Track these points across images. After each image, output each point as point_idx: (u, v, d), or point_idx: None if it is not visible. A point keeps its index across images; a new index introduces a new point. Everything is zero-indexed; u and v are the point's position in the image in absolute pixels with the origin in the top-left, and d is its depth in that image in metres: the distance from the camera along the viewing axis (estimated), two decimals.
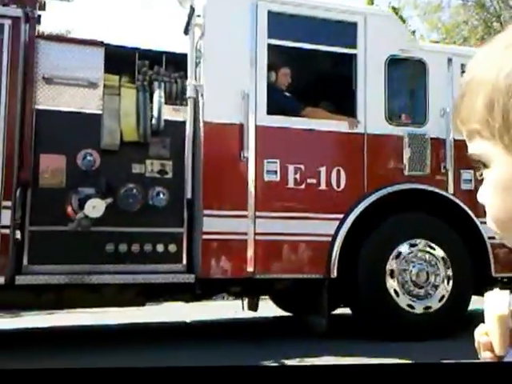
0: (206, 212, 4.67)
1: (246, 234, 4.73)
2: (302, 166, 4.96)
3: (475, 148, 0.62)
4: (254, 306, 6.06)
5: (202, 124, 4.79)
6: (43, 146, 4.59)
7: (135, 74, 5.08)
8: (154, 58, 5.19)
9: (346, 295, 5.07)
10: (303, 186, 4.95)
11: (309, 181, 4.97)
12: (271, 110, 4.94)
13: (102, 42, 4.93)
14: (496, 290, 0.69)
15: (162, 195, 4.77)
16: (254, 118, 4.86)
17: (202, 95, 4.88)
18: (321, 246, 4.88)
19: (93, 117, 4.77)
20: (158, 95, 4.87)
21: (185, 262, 4.84)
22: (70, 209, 4.50)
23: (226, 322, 6.70)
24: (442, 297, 5.06)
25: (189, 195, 4.78)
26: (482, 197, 0.64)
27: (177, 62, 5.23)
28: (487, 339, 0.68)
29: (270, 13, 5.02)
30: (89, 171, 4.63)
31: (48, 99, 4.67)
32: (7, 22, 4.38)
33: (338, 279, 4.85)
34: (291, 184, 4.92)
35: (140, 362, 3.99)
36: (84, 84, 4.78)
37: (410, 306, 4.98)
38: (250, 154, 4.80)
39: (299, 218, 4.88)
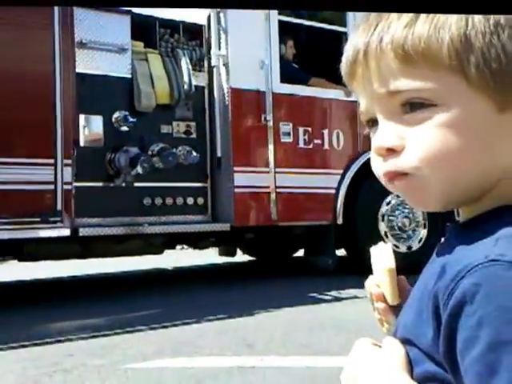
0: (237, 169, 5.51)
1: (268, 187, 5.64)
2: (310, 129, 5.94)
3: (427, 85, 0.59)
4: (230, 253, 7.12)
5: (228, 90, 5.57)
6: (84, 107, 5.10)
7: (157, 42, 5.68)
8: (172, 26, 5.81)
9: (346, 239, 6.17)
10: (311, 146, 5.94)
11: (315, 141, 5.97)
12: (283, 79, 5.84)
13: (128, 10, 5.48)
14: (380, 244, 0.77)
15: (191, 154, 5.50)
16: (271, 85, 5.72)
17: (224, 64, 5.64)
18: (328, 197, 5.92)
19: (125, 80, 5.36)
20: (185, 61, 5.55)
21: (210, 212, 5.67)
22: (118, 166, 5.11)
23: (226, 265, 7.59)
24: (420, 239, 6.34)
25: (219, 154, 5.57)
26: (407, 137, 0.61)
27: (192, 32, 5.91)
28: (379, 291, 0.75)
29: None
30: (130, 132, 5.24)
31: (83, 63, 5.16)
32: None
33: (343, 225, 5.94)
34: (301, 144, 5.89)
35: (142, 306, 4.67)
36: (114, 49, 5.33)
37: (396, 246, 6.20)
38: (269, 117, 5.67)
39: (310, 173, 5.88)
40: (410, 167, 0.61)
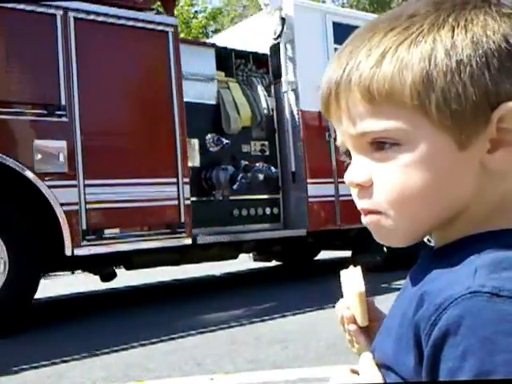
0: (309, 181, 6.85)
1: (333, 196, 7.02)
2: None
3: (391, 125, 0.64)
4: (268, 258, 8.48)
5: (298, 112, 6.89)
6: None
7: (233, 70, 6.89)
8: (244, 56, 7.04)
9: None
10: None
11: None
12: None
13: (212, 43, 6.69)
14: (350, 268, 0.85)
15: (271, 169, 6.78)
16: None
17: (293, 89, 6.95)
18: None
19: (212, 106, 6.55)
20: (260, 88, 6.82)
21: (282, 221, 6.98)
22: (216, 182, 6.30)
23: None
24: None
25: (293, 168, 6.88)
26: (375, 174, 0.67)
27: (259, 61, 7.17)
28: (350, 313, 0.83)
29: (334, 23, 7.26)
30: (221, 152, 6.45)
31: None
32: (171, 30, 5.93)
33: None
34: None
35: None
36: (203, 79, 6.50)
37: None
38: (331, 135, 7.05)
39: None
40: (378, 207, 0.67)
